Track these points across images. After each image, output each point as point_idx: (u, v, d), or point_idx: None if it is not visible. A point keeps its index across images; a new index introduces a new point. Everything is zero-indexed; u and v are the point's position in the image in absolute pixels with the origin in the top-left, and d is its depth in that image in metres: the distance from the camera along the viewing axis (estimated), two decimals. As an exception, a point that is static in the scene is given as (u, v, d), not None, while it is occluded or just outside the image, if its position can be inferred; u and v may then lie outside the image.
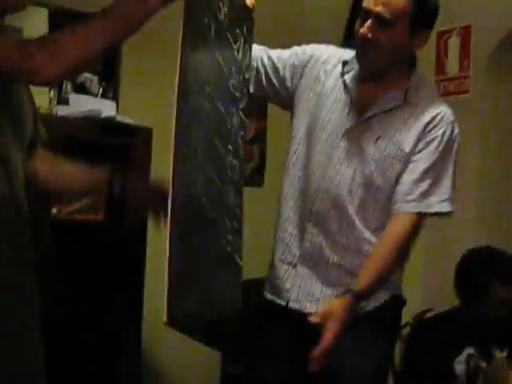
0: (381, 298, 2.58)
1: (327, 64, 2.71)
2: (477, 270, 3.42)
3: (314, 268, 2.61)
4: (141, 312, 3.68)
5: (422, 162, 2.55)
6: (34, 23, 3.73)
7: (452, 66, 4.86)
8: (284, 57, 2.75)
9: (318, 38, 4.68)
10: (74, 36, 1.86)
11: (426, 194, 2.54)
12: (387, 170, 2.55)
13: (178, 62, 1.92)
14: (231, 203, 2.35)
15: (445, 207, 2.58)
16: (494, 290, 3.34)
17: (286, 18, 4.89)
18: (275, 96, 2.78)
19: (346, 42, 4.63)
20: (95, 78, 3.98)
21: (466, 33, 4.81)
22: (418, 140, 2.55)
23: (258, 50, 2.69)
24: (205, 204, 2.10)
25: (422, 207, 2.54)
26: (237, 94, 2.38)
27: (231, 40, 2.33)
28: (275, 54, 2.75)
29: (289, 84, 2.73)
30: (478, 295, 3.36)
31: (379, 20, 2.48)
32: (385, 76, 2.59)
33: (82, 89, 3.91)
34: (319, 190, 2.59)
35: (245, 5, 2.48)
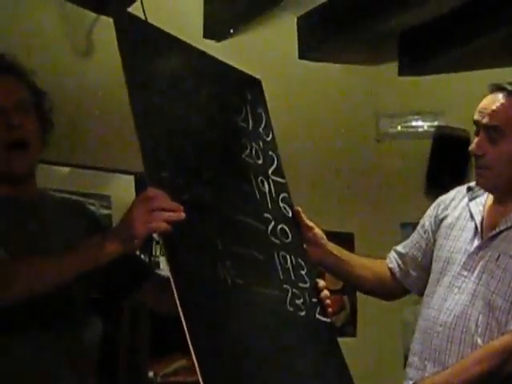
0: None
1: (455, 199, 2.65)
2: None
3: None
4: None
5: None
6: (122, 190, 3.88)
7: None
8: (415, 238, 2.75)
9: (398, 184, 4.75)
10: (29, 270, 2.02)
11: None
12: (507, 289, 2.36)
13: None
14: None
15: None
16: None
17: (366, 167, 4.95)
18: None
19: (427, 189, 4.68)
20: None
21: None
22: None
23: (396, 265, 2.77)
24: None
25: None
26: None
27: None
28: (403, 248, 2.78)
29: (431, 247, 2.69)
30: None
31: (489, 132, 2.40)
32: (510, 192, 2.47)
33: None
34: (436, 324, 2.47)
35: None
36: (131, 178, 3.99)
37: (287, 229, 2.51)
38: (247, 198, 2.41)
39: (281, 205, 2.54)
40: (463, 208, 2.59)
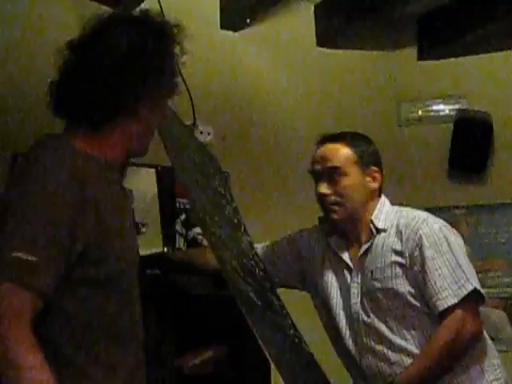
0: None
1: (310, 240, 3.01)
2: None
3: None
4: None
5: (429, 263, 2.65)
6: (144, 183, 3.88)
7: None
8: None
9: (421, 169, 4.70)
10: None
11: (453, 284, 2.63)
12: (388, 285, 2.71)
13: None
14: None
15: (472, 285, 2.64)
16: None
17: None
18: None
19: (450, 173, 4.66)
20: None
21: None
22: (412, 251, 2.68)
23: None
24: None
25: (460, 293, 2.62)
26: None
27: None
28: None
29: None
30: None
31: (334, 172, 2.76)
32: (356, 221, 2.83)
33: (194, 242, 4.00)
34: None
35: None
36: (153, 171, 3.99)
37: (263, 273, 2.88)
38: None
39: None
40: (318, 242, 2.97)
